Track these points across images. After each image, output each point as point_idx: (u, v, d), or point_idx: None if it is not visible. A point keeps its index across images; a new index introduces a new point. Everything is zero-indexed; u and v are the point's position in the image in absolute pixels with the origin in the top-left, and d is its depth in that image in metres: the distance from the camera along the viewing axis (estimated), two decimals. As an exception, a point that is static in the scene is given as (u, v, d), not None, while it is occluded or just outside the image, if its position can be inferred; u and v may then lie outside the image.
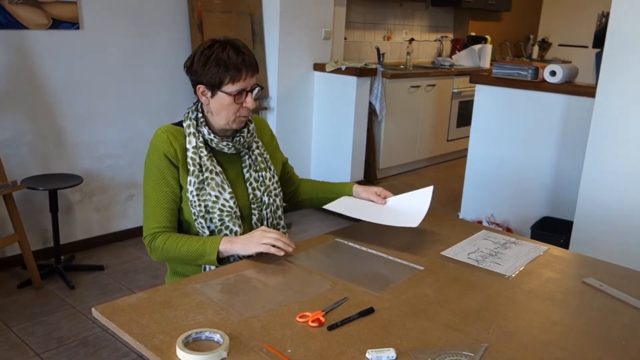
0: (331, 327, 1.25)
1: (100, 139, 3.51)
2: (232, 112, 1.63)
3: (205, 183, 1.65)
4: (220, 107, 1.63)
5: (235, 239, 1.58)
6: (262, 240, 1.54)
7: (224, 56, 1.59)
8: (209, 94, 1.63)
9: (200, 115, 1.69)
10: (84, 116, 3.41)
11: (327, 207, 1.87)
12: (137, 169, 3.70)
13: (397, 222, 1.75)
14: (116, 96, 3.52)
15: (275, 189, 1.77)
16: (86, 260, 3.41)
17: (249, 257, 1.65)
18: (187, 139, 1.66)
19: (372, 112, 4.54)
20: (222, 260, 1.61)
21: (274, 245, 1.54)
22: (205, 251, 1.57)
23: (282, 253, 1.55)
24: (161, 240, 1.61)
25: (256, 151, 1.77)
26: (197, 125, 1.68)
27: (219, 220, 1.65)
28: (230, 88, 1.60)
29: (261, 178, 1.75)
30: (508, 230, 3.48)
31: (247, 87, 1.62)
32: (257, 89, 1.67)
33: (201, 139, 1.67)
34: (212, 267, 1.64)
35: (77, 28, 3.26)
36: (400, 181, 4.94)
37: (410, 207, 1.81)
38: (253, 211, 1.74)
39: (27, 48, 3.11)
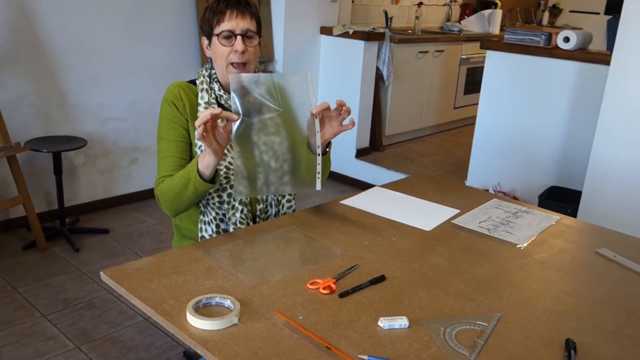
0: (342, 295, 1.24)
1: (104, 102, 3.46)
2: (224, 58, 1.61)
3: None
4: (215, 55, 1.64)
5: (204, 153, 1.49)
6: (201, 139, 1.41)
7: (215, 4, 1.62)
8: (209, 44, 1.66)
9: (213, 71, 1.69)
10: (87, 78, 3.35)
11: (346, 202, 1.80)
12: (141, 133, 3.66)
13: (411, 222, 1.68)
14: (119, 58, 3.46)
15: (284, 154, 1.73)
16: (90, 223, 3.41)
17: (253, 218, 1.63)
18: (200, 94, 1.67)
19: (379, 77, 4.47)
20: (214, 179, 1.55)
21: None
22: (189, 171, 1.53)
23: (234, 118, 1.44)
24: (161, 185, 1.61)
25: (267, 115, 1.73)
26: (209, 82, 1.68)
27: (225, 177, 1.65)
28: (217, 30, 1.61)
29: (270, 142, 1.71)
30: (515, 199, 3.46)
31: (235, 30, 1.60)
32: (254, 38, 1.63)
33: (213, 95, 1.68)
34: (212, 230, 1.65)
35: (80, -14, 3.18)
36: (406, 148, 4.90)
37: (429, 212, 1.75)
38: (259, 175, 1.71)
39: (29, 7, 3.04)
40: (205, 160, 1.49)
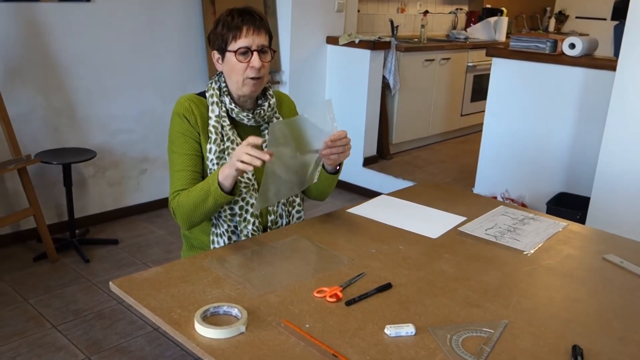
0: (349, 303, 1.24)
1: (113, 114, 3.49)
2: (240, 73, 1.62)
3: (226, 152, 1.66)
4: (229, 70, 1.65)
5: (225, 165, 1.53)
6: (237, 165, 1.45)
7: (229, 19, 1.62)
8: (221, 59, 1.66)
9: (223, 85, 1.70)
10: (96, 90, 3.39)
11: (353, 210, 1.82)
12: (150, 144, 3.70)
13: (417, 230, 1.69)
14: (128, 70, 3.50)
15: (294, 165, 1.75)
16: (100, 234, 3.43)
17: (264, 230, 1.65)
18: (210, 107, 1.68)
19: (385, 86, 4.48)
20: (233, 192, 1.56)
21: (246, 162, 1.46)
22: (209, 184, 1.54)
23: (258, 163, 1.45)
24: (178, 198, 1.62)
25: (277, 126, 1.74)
26: (219, 95, 1.69)
27: None
28: (234, 46, 1.61)
29: (279, 154, 1.73)
30: (523, 206, 3.45)
31: (251, 46, 1.61)
32: (268, 53, 1.64)
33: (224, 108, 1.68)
34: (224, 242, 1.65)
35: (88, 0, 3.22)
36: (413, 156, 4.90)
37: (435, 220, 1.77)
38: (269, 186, 1.72)
39: (38, 21, 3.09)
40: (225, 172, 1.50)
